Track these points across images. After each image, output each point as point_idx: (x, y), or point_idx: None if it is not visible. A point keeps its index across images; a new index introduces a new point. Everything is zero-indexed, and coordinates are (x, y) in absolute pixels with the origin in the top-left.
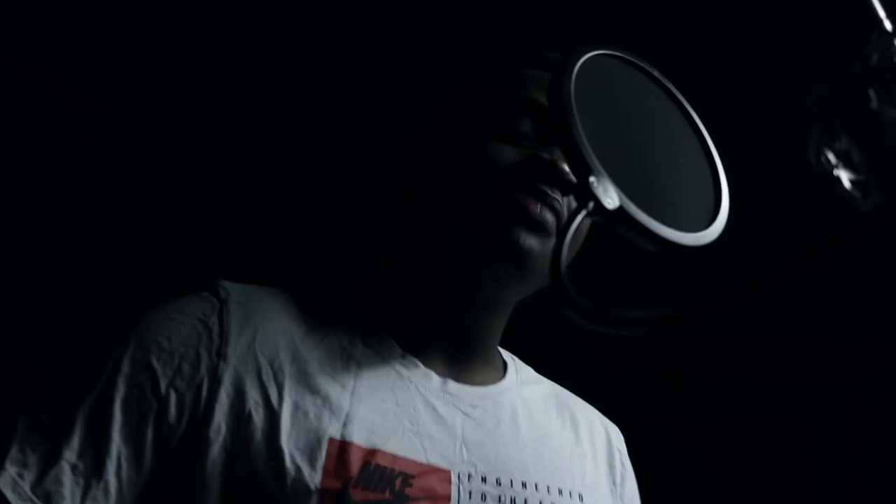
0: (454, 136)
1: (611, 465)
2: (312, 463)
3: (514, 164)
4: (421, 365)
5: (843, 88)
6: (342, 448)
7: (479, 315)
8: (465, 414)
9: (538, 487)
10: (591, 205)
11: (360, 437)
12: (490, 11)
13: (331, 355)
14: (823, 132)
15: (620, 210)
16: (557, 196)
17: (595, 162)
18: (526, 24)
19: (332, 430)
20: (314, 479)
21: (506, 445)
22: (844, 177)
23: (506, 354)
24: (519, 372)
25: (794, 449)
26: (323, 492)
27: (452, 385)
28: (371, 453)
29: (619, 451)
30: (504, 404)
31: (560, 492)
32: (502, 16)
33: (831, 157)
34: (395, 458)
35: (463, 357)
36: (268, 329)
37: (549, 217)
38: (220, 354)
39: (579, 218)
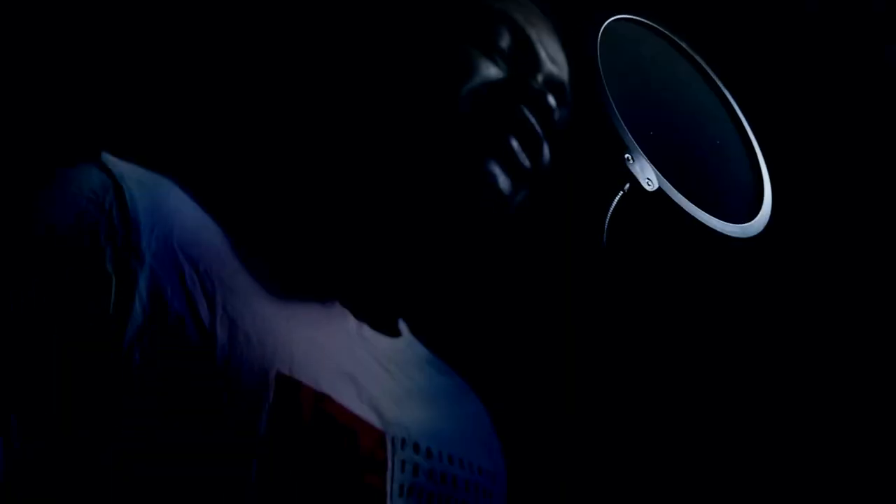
0: (425, 38)
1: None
2: (258, 404)
3: (497, 81)
4: (337, 302)
5: None
6: (292, 387)
7: (413, 247)
8: (384, 368)
9: (463, 463)
10: (626, 186)
11: (307, 377)
12: None
13: (256, 267)
14: None
15: (659, 192)
16: (540, 135)
17: (629, 138)
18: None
19: (279, 362)
20: (260, 423)
21: (425, 411)
22: None
23: None
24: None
25: None
26: (269, 439)
27: (367, 331)
28: (321, 399)
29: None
30: (412, 363)
31: (480, 470)
32: None
33: None
34: (342, 410)
35: (376, 296)
36: (187, 220)
37: (525, 164)
38: (130, 247)
39: (615, 202)
